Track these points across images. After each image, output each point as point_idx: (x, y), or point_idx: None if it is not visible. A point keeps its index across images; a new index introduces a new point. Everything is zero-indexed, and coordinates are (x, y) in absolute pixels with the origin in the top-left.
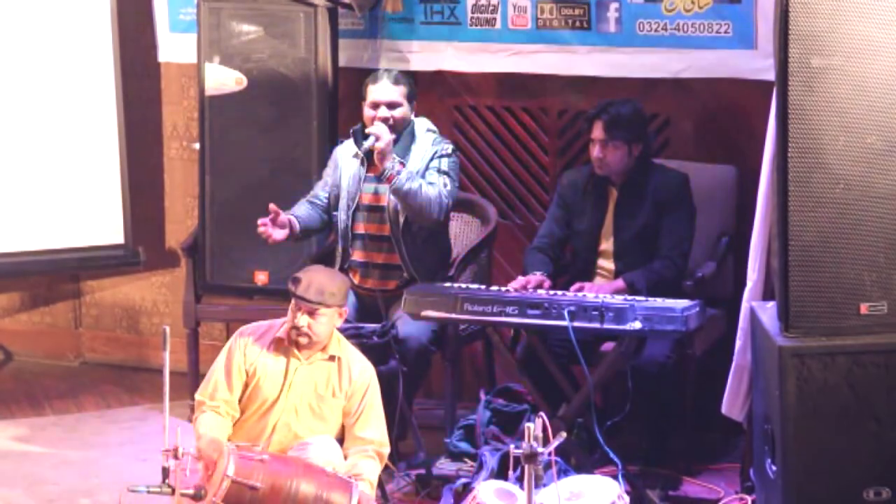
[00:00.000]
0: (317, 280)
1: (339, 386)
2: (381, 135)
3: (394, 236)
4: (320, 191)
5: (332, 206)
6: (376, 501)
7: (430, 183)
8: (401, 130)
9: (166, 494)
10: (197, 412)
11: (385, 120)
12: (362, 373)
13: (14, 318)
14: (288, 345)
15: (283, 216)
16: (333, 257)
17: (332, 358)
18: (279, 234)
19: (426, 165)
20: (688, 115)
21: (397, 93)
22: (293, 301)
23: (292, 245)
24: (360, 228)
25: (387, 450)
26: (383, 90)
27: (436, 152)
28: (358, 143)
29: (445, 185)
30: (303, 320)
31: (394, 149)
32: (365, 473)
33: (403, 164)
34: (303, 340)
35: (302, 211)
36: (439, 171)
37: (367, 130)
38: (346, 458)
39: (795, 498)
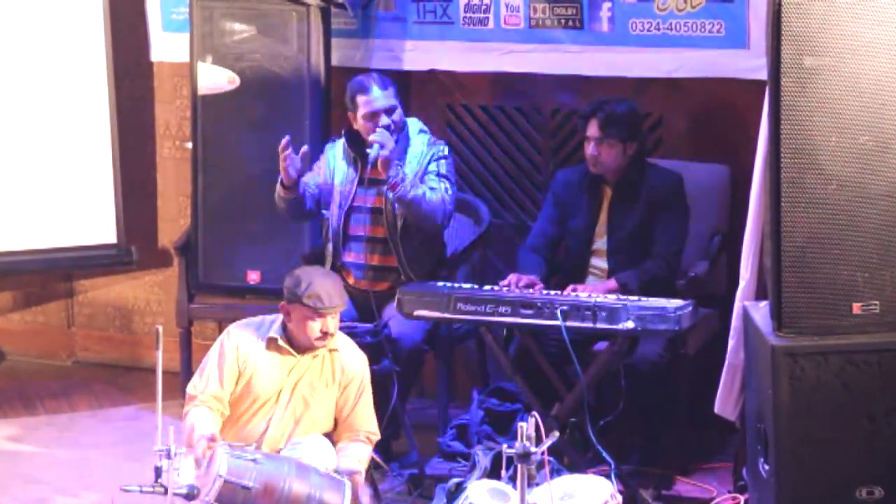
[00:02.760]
0: (328, 286)
1: (332, 377)
2: (385, 143)
3: (391, 240)
4: (311, 180)
5: (321, 202)
6: (370, 500)
7: (432, 188)
8: (400, 131)
9: (159, 494)
10: (188, 405)
11: (387, 127)
12: (355, 363)
13: (6, 318)
14: (311, 348)
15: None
16: (324, 257)
17: (330, 350)
18: (297, 165)
19: (424, 168)
20: (681, 115)
21: (390, 96)
22: (311, 314)
23: (288, 237)
24: (355, 230)
25: (377, 437)
26: (377, 98)
27: (433, 154)
28: (351, 145)
29: (447, 191)
30: (332, 325)
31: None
32: (355, 455)
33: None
34: (329, 340)
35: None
36: (439, 174)
37: (370, 139)
38: (337, 444)
39: (788, 497)
